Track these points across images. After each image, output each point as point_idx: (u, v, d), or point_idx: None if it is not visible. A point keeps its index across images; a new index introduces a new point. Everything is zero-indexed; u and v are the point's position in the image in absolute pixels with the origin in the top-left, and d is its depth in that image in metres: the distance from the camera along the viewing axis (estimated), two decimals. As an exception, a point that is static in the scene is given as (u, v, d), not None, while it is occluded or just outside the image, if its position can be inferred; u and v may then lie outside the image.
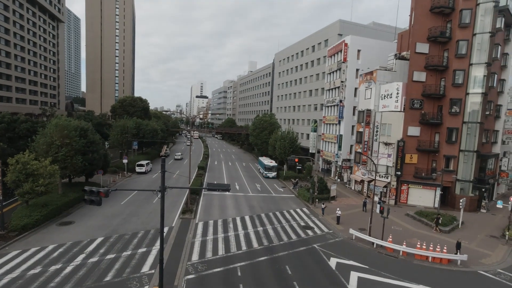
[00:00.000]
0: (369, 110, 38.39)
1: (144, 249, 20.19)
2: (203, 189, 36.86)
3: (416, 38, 34.96)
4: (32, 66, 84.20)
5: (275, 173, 49.56)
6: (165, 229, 24.09)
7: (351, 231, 24.56)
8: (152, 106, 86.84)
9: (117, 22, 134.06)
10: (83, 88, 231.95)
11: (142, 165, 47.34)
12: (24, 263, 17.56)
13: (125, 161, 45.00)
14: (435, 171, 33.97)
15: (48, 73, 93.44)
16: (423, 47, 34.90)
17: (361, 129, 40.36)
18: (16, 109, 72.17)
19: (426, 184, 34.62)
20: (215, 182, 41.63)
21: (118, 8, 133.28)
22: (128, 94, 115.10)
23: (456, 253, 20.92)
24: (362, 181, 40.19)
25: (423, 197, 34.90)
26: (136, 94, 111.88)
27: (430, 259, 20.73)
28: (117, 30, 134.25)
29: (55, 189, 26.26)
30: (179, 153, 68.08)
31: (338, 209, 28.91)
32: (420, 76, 34.97)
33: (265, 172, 49.84)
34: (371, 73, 39.10)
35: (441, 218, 27.27)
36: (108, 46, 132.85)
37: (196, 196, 34.20)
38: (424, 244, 22.10)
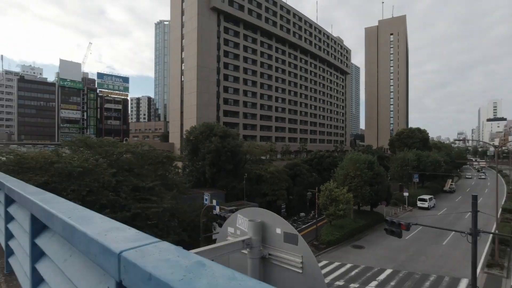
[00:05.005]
0: None
1: (438, 297, 18.29)
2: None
3: None
4: (328, 113, 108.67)
5: None
6: (464, 282, 20.37)
7: None
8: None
9: (392, 60, 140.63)
10: (361, 125, 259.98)
11: (424, 200, 44.31)
12: (332, 274, 21.93)
13: (405, 194, 44.33)
14: None
15: (338, 117, 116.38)
16: None
17: None
18: (317, 147, 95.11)
19: None
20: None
21: (392, 47, 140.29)
22: (402, 127, 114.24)
23: None
24: None
25: None
26: (410, 126, 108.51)
27: None
28: (391, 68, 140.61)
29: (349, 215, 31.00)
30: (483, 173, 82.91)
31: None
32: None
33: None
34: None
35: None
36: (383, 86, 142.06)
37: (506, 248, 26.04)
38: None
